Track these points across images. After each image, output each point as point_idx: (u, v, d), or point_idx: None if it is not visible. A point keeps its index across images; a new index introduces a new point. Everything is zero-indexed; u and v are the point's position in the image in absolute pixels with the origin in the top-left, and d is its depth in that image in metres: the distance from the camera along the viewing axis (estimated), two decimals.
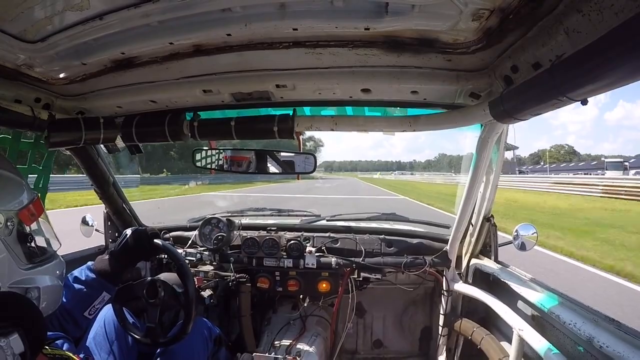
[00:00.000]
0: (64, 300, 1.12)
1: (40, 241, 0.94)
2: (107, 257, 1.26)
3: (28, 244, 0.87)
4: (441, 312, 1.82)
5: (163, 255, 1.84)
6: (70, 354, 0.88)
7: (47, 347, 0.84)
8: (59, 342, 0.99)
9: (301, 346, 1.66)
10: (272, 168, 1.56)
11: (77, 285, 1.20)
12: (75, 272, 1.23)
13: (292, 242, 1.84)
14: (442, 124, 1.23)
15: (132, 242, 1.27)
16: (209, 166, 1.66)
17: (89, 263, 1.27)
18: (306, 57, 1.03)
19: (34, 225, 0.92)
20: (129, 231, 1.29)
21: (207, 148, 1.63)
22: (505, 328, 1.45)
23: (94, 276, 1.22)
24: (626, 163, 32.73)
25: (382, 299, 2.06)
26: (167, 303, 1.25)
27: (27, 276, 0.85)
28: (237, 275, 1.76)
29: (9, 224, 0.82)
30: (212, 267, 1.80)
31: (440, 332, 1.82)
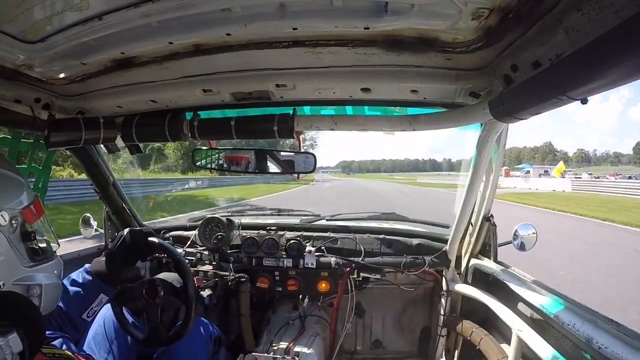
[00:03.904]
0: (62, 303, 1.12)
1: (40, 240, 0.95)
2: (103, 258, 1.26)
3: (30, 243, 0.88)
4: (440, 312, 1.81)
5: (163, 255, 1.84)
6: (70, 353, 0.88)
7: (46, 346, 0.84)
8: (57, 341, 0.99)
9: (300, 346, 1.66)
10: (272, 167, 1.56)
11: (74, 288, 1.19)
12: (73, 275, 1.23)
13: (291, 241, 1.84)
14: (442, 123, 1.23)
15: (129, 242, 1.26)
16: (209, 166, 1.66)
17: (86, 265, 1.26)
18: (306, 56, 1.03)
19: (35, 225, 0.93)
20: (124, 231, 1.28)
21: (207, 148, 1.63)
22: (505, 329, 1.45)
23: (91, 278, 1.22)
24: None
25: (382, 299, 2.06)
26: (167, 301, 1.25)
27: (30, 274, 0.86)
28: (237, 275, 1.76)
29: (13, 222, 0.83)
30: (211, 267, 1.80)
31: (439, 333, 1.82)
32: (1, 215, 0.80)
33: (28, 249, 0.87)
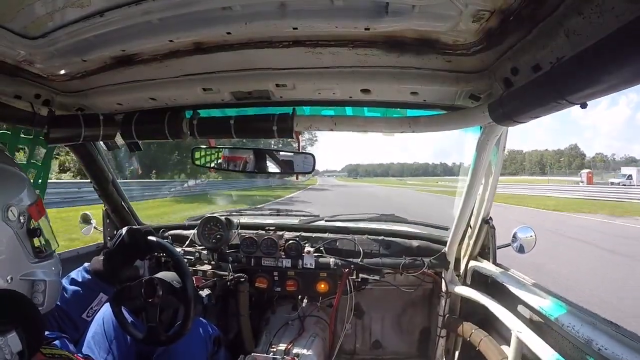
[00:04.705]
0: (62, 302, 1.12)
1: (43, 238, 0.96)
2: (102, 257, 1.25)
3: (36, 240, 0.89)
4: (440, 313, 1.81)
5: (162, 254, 1.84)
6: (69, 353, 0.87)
7: (45, 347, 0.84)
8: (57, 342, 0.99)
9: (299, 347, 1.66)
10: (271, 167, 1.56)
11: (74, 287, 1.19)
12: (72, 274, 1.22)
13: (290, 242, 1.84)
14: (442, 126, 1.23)
15: (127, 241, 1.25)
16: (208, 165, 1.67)
17: (86, 264, 1.26)
18: (306, 56, 1.03)
19: (38, 223, 0.93)
20: (123, 230, 1.28)
21: (206, 147, 1.63)
22: (504, 330, 1.45)
23: (90, 277, 1.21)
24: None
25: (381, 300, 2.06)
26: (165, 301, 1.24)
27: (35, 269, 0.87)
28: (236, 275, 1.75)
29: (21, 218, 0.84)
30: (210, 267, 1.79)
31: (438, 334, 1.82)
32: (10, 211, 0.82)
33: (33, 245, 0.88)
